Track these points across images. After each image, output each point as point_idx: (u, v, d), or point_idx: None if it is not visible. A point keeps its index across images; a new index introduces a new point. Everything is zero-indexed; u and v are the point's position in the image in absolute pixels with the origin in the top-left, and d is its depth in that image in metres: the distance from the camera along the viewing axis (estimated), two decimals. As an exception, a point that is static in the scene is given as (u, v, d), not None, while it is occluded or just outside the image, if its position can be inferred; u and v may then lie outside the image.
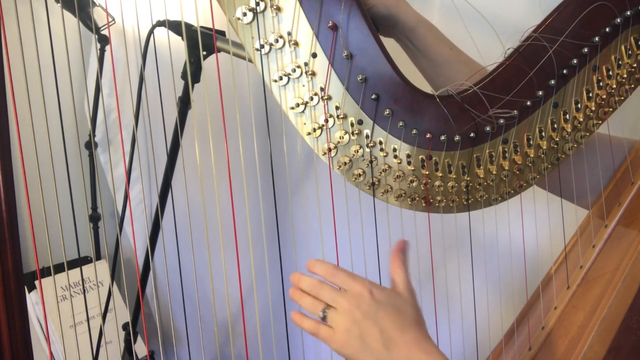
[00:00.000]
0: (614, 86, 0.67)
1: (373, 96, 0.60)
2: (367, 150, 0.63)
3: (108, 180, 1.32)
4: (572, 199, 0.78)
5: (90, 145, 1.23)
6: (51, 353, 1.10)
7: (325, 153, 0.63)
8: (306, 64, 0.60)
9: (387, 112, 0.61)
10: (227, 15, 0.59)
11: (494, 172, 0.66)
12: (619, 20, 0.63)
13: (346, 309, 0.54)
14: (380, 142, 0.63)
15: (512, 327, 0.80)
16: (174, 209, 0.76)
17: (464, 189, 0.67)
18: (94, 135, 1.25)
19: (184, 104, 0.88)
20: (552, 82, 0.64)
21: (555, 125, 0.66)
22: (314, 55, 0.60)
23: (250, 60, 0.62)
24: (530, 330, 0.76)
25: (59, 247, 0.61)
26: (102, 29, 1.17)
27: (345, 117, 0.62)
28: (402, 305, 0.55)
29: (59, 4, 0.63)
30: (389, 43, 0.67)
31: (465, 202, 0.68)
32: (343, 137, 0.62)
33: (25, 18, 0.57)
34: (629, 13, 0.64)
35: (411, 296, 0.57)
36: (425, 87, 0.64)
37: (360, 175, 0.64)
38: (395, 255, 0.60)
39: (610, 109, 0.69)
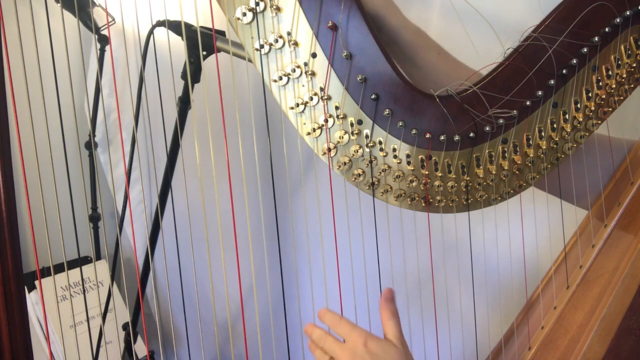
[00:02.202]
0: (614, 86, 0.67)
1: (373, 96, 0.60)
2: (367, 150, 0.63)
3: (108, 180, 1.32)
4: (571, 200, 0.78)
5: (90, 145, 1.23)
6: (51, 353, 1.10)
7: (325, 153, 0.63)
8: (306, 64, 0.60)
9: (386, 112, 0.61)
10: (227, 15, 0.59)
11: (494, 172, 0.66)
12: (618, 20, 0.63)
13: None
14: (380, 142, 0.63)
15: (511, 327, 0.80)
16: (174, 209, 0.76)
17: (464, 189, 0.67)
18: (94, 135, 1.25)
19: (184, 104, 0.88)
20: (552, 82, 0.64)
21: (555, 125, 0.66)
22: (314, 55, 0.60)
23: (250, 60, 0.62)
24: (530, 330, 0.76)
25: (59, 247, 0.61)
26: (102, 29, 1.17)
27: (345, 117, 0.62)
28: (394, 357, 0.57)
29: (58, 4, 0.63)
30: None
31: (464, 202, 0.68)
32: (343, 137, 0.62)
33: (25, 18, 0.57)
34: (628, 13, 0.64)
35: (404, 347, 0.59)
36: (425, 87, 0.64)
37: (360, 175, 0.64)
38: (384, 306, 0.61)
39: (610, 109, 0.69)
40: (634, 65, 0.67)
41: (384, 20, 0.69)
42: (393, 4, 0.70)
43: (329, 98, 0.61)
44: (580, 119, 0.67)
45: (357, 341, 0.57)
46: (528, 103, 0.64)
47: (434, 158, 0.64)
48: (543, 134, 0.66)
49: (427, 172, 0.65)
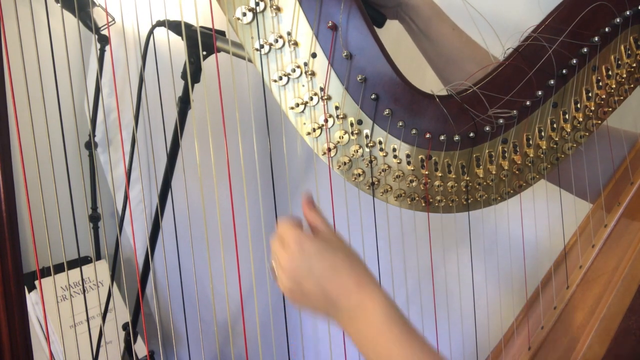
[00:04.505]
0: (614, 86, 0.67)
1: (373, 96, 0.60)
2: (367, 150, 0.63)
3: (108, 180, 1.32)
4: (570, 189, 0.78)
5: (90, 145, 1.23)
6: (51, 353, 1.10)
7: (325, 153, 0.63)
8: (306, 64, 0.60)
9: (386, 112, 0.61)
10: (227, 15, 0.59)
11: (494, 172, 0.66)
12: (618, 20, 0.63)
13: (285, 268, 0.55)
14: (380, 142, 0.63)
15: (511, 327, 0.80)
16: (174, 209, 0.76)
17: (464, 189, 0.67)
18: (94, 135, 1.25)
19: (184, 104, 0.88)
20: (552, 82, 0.64)
21: (555, 125, 0.66)
22: (314, 55, 0.60)
23: (250, 60, 0.62)
24: (530, 330, 0.76)
25: (59, 247, 0.61)
26: (102, 29, 1.17)
27: (345, 117, 0.62)
28: (332, 251, 0.55)
29: (58, 4, 0.63)
30: (388, 43, 0.68)
31: (464, 202, 0.68)
32: (343, 137, 0.62)
33: (25, 18, 0.57)
34: (628, 13, 0.64)
35: (337, 238, 0.57)
36: (425, 86, 0.64)
37: (360, 175, 0.64)
38: (307, 207, 0.59)
39: (610, 109, 0.69)
40: (634, 65, 0.67)
41: None
42: None
43: (329, 98, 0.61)
44: (580, 119, 0.67)
45: (294, 246, 0.54)
46: (528, 103, 0.64)
47: (434, 158, 0.64)
48: (543, 134, 0.66)
49: (427, 172, 0.65)
